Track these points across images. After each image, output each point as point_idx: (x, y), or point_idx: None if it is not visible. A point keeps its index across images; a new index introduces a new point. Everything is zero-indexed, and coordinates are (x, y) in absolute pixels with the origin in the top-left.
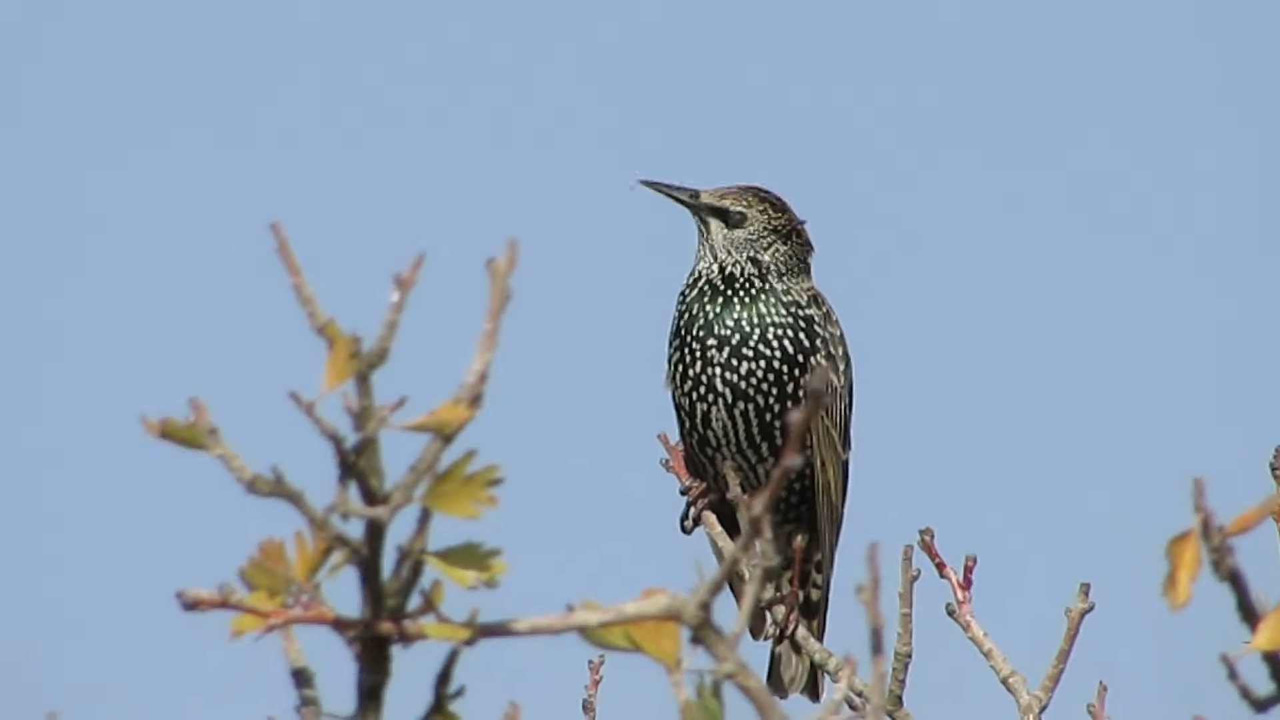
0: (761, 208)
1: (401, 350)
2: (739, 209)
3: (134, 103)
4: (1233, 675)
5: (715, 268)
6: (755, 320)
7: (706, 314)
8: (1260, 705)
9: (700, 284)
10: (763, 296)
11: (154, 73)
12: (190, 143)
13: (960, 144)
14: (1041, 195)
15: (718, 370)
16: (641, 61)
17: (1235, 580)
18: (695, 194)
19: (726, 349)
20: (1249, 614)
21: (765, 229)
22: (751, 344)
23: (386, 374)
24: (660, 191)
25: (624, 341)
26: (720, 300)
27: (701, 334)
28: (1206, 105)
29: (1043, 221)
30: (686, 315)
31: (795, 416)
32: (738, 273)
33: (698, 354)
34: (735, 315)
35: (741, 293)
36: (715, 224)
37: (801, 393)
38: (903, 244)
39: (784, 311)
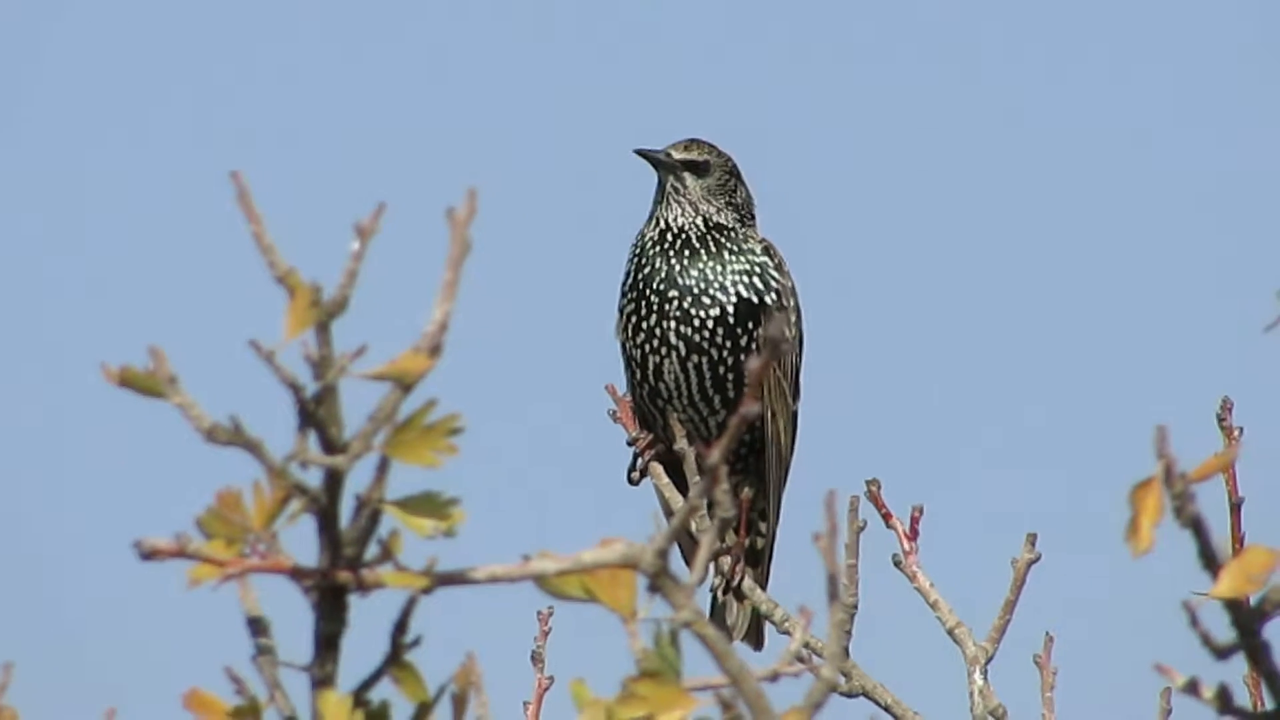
0: (715, 153)
1: (361, 299)
2: (704, 158)
3: (93, 55)
4: (1193, 622)
5: (700, 220)
6: (719, 269)
7: (671, 267)
8: (1221, 652)
9: (671, 236)
10: (729, 245)
11: (110, 26)
12: (149, 91)
13: (894, 98)
14: (981, 142)
15: (673, 324)
16: (601, 27)
17: (1197, 527)
18: (667, 154)
19: (688, 298)
20: (1210, 561)
21: (725, 173)
22: (711, 293)
23: (346, 323)
24: (645, 157)
25: (570, 292)
26: (688, 252)
27: (662, 287)
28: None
29: (983, 168)
30: (648, 268)
31: (753, 364)
32: (724, 220)
33: (655, 306)
34: (700, 265)
35: (712, 244)
36: (690, 177)
37: (758, 341)
38: (845, 192)
39: (743, 261)
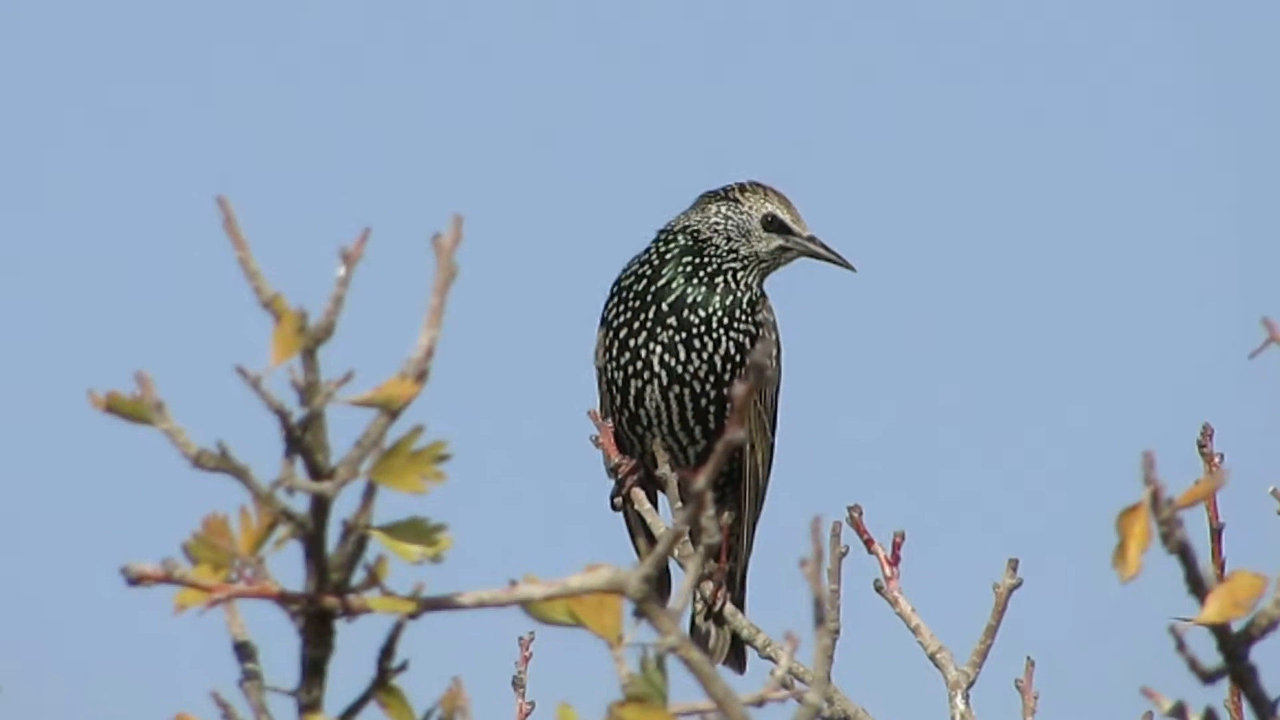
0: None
1: (348, 325)
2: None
3: (79, 70)
4: (1180, 646)
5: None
6: (725, 308)
7: (683, 292)
8: (1208, 677)
9: (693, 263)
10: (738, 287)
11: (100, 37)
12: (135, 114)
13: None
14: (960, 160)
15: (658, 350)
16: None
17: (1184, 553)
18: (813, 238)
19: (685, 331)
20: (1197, 586)
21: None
22: (713, 334)
23: (333, 349)
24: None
25: (551, 315)
26: (698, 280)
27: (666, 308)
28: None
29: (969, 186)
30: (651, 283)
31: (738, 389)
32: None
33: (648, 325)
34: (715, 301)
35: (729, 279)
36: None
37: (743, 369)
38: (821, 210)
39: (745, 307)
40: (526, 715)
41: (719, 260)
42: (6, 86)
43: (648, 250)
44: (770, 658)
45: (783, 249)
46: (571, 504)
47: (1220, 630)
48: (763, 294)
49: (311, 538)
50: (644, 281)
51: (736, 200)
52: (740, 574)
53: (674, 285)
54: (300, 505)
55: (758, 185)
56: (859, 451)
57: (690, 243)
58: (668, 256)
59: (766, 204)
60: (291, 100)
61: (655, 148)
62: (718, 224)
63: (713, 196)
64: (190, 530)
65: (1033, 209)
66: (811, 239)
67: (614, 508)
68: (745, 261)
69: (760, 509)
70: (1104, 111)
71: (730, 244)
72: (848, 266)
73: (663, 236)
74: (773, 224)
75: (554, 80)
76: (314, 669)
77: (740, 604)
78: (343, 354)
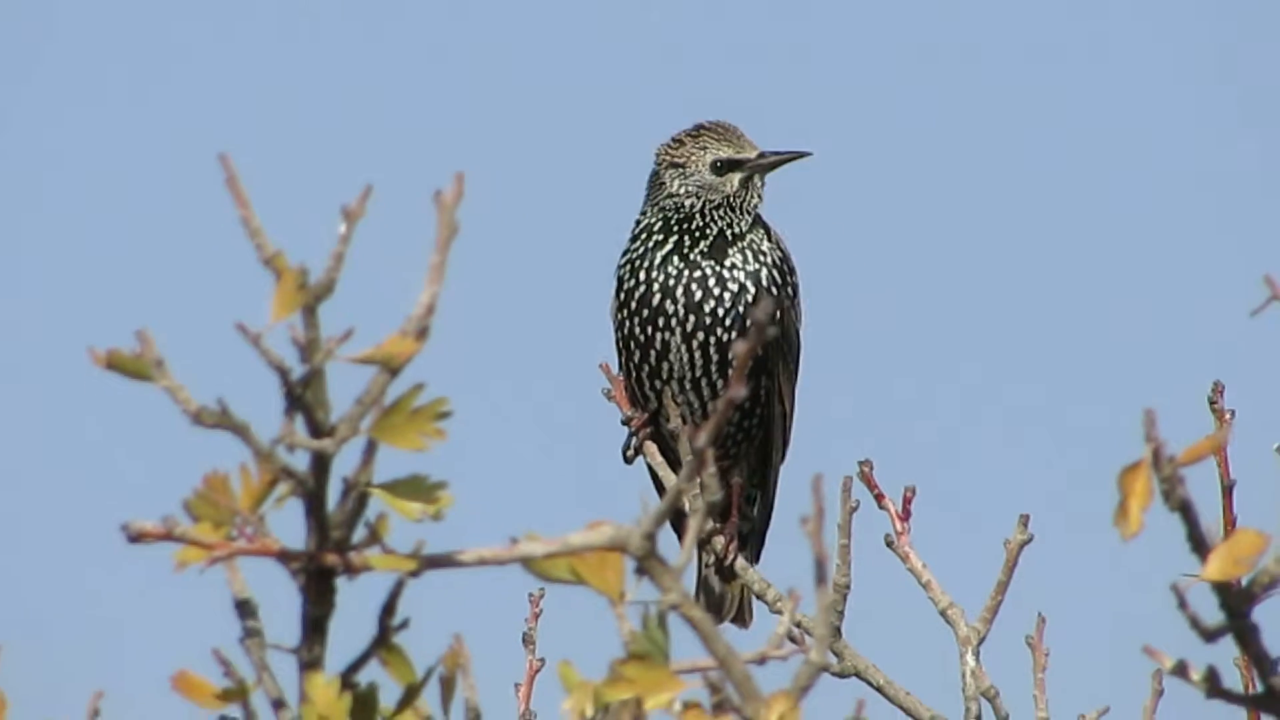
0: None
1: (348, 282)
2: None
3: (84, 32)
4: (1182, 604)
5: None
6: (741, 256)
7: (692, 250)
8: (1209, 635)
9: (699, 225)
10: (750, 234)
11: (90, 6)
12: (135, 70)
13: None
14: (970, 126)
15: (684, 295)
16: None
17: (1186, 510)
18: (763, 154)
19: (705, 276)
20: (1199, 544)
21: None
22: (732, 289)
23: (333, 306)
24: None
25: (561, 269)
26: (709, 239)
27: (680, 262)
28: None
29: (973, 152)
30: (660, 243)
31: (740, 346)
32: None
33: (673, 281)
34: (728, 251)
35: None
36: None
37: (742, 309)
38: (839, 173)
39: (764, 249)
40: (536, 672)
41: (703, 219)
42: (7, 43)
43: (639, 224)
44: (781, 613)
45: (745, 180)
46: (583, 457)
47: (1223, 588)
48: (765, 227)
49: (312, 495)
50: (649, 247)
51: (680, 164)
52: (764, 526)
53: (682, 249)
54: (301, 463)
55: (692, 136)
56: (873, 405)
57: (672, 219)
58: (662, 227)
59: (706, 151)
60: (294, 58)
61: (666, 98)
62: (678, 191)
63: (662, 167)
64: (191, 488)
65: (1047, 167)
66: (761, 155)
67: (626, 461)
68: (725, 208)
69: (784, 457)
70: (1115, 85)
71: (702, 201)
72: (804, 154)
73: (643, 229)
74: (723, 166)
75: (567, 32)
76: (315, 627)
77: (757, 556)
78: (343, 311)
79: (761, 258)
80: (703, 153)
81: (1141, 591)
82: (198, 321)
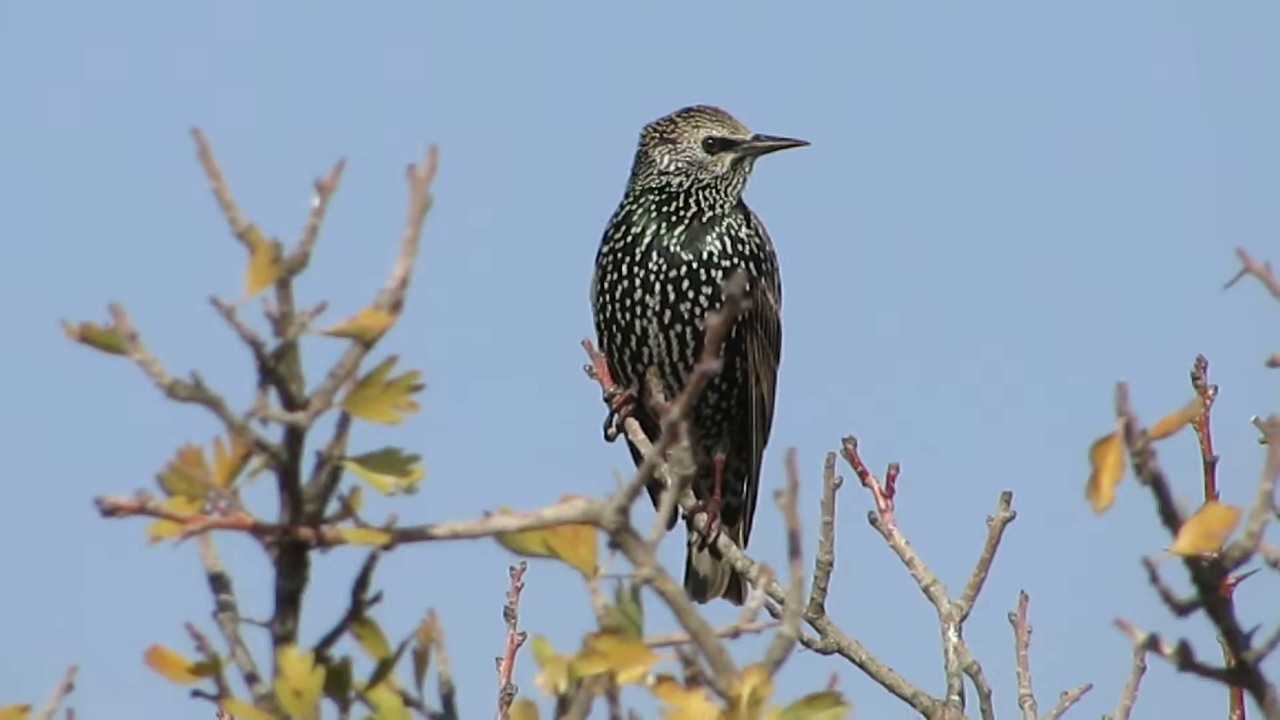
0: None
1: (322, 255)
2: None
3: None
4: (1154, 579)
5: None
6: (720, 245)
7: (670, 236)
8: (1182, 609)
9: (685, 203)
10: (729, 219)
11: None
12: (111, 43)
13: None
14: (964, 108)
15: (660, 289)
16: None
17: (1157, 484)
18: (758, 136)
19: (683, 271)
20: (1171, 518)
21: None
22: (709, 272)
23: (307, 279)
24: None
25: (543, 246)
26: (686, 221)
27: (659, 257)
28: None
29: (958, 133)
30: (640, 234)
31: (713, 320)
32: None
33: (653, 275)
34: (706, 239)
35: (713, 214)
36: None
37: (721, 298)
38: (820, 147)
39: (743, 236)
40: (518, 646)
41: (689, 198)
42: None
43: (623, 209)
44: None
45: (737, 161)
46: (566, 434)
47: (1194, 562)
48: (745, 212)
49: (285, 469)
50: (629, 239)
51: (672, 141)
52: (750, 505)
53: (661, 239)
54: (274, 436)
55: (684, 114)
56: (856, 382)
57: (657, 198)
58: (643, 214)
59: (700, 129)
60: (268, 31)
61: (652, 71)
62: (668, 168)
63: (650, 144)
64: (164, 461)
65: (1027, 146)
66: (756, 138)
67: (608, 438)
68: (712, 188)
69: (766, 438)
70: (1102, 78)
71: (690, 179)
72: (801, 143)
73: (629, 203)
74: (715, 144)
75: (551, 15)
76: (288, 600)
77: (745, 535)
78: (317, 285)
79: (739, 246)
80: (695, 130)
81: (1123, 567)
82: (171, 295)
